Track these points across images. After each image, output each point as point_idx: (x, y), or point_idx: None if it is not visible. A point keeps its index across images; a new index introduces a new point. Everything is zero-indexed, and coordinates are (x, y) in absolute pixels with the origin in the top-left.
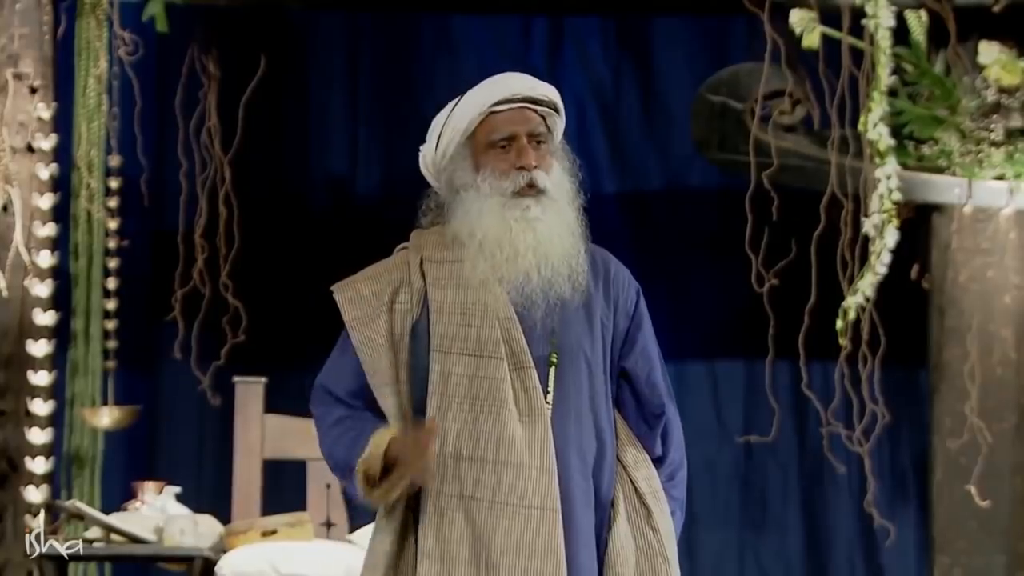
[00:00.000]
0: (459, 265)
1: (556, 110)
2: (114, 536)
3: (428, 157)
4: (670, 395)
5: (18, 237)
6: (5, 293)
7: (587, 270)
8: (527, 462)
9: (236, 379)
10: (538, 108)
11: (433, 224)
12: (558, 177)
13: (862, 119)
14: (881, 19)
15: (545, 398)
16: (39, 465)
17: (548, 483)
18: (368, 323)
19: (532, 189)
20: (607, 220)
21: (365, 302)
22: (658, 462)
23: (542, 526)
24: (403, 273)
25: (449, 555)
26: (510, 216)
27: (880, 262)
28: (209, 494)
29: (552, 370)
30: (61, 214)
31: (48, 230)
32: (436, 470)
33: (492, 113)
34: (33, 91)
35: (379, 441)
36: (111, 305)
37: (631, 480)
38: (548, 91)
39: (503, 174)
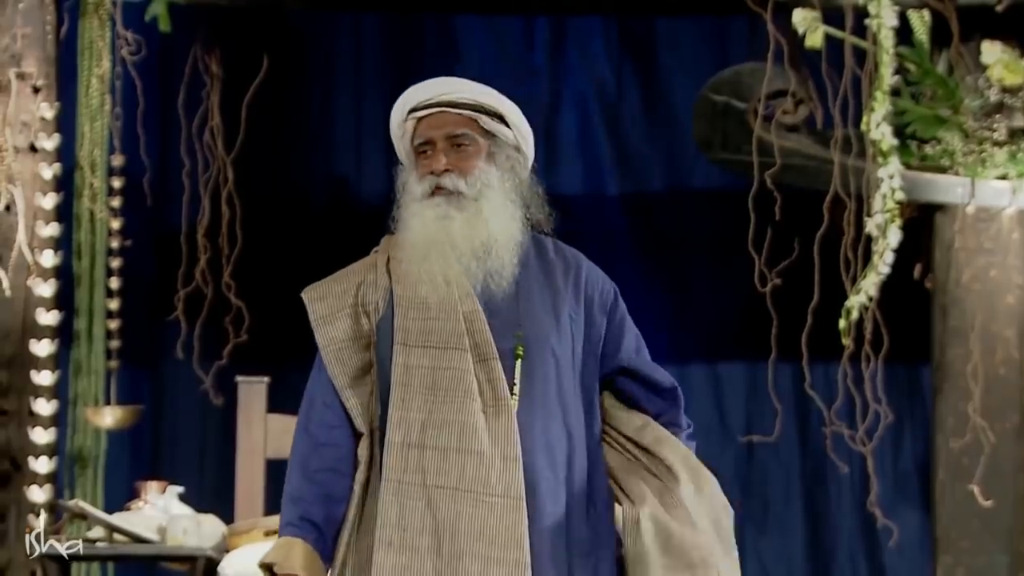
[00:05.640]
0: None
1: (483, 111)
2: (117, 536)
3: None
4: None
5: (21, 237)
6: (8, 293)
7: (559, 266)
8: (491, 451)
9: (239, 379)
10: (462, 111)
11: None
12: (486, 177)
13: (865, 119)
14: (884, 19)
15: (512, 390)
16: (42, 465)
17: (513, 472)
18: (331, 322)
19: (441, 191)
20: (610, 220)
21: (329, 300)
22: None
23: (506, 514)
24: (371, 273)
25: (411, 544)
26: (428, 216)
27: (883, 262)
28: (212, 494)
29: (519, 363)
30: (64, 214)
31: (51, 230)
32: (399, 460)
33: (418, 119)
34: (36, 91)
35: (282, 555)
36: (114, 305)
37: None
38: (473, 93)
39: (421, 178)
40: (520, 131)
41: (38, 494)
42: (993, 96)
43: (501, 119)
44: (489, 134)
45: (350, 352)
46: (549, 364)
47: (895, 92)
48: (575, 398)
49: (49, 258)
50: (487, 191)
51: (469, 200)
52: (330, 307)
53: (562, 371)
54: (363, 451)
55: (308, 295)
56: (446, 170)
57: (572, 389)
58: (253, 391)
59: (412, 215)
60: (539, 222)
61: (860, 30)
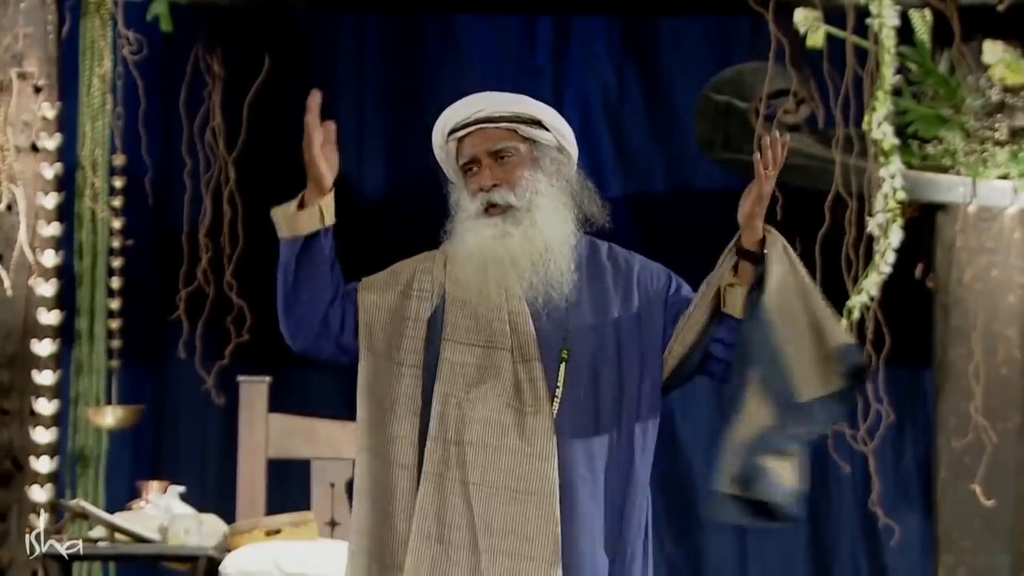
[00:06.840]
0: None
1: (520, 120)
2: (118, 535)
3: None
4: None
5: (22, 236)
6: (10, 292)
7: (610, 270)
8: (527, 449)
9: (240, 378)
10: (500, 125)
11: None
12: (535, 184)
13: (866, 118)
14: (885, 18)
15: (554, 391)
16: (43, 464)
17: (547, 470)
18: (376, 291)
19: (495, 208)
20: (612, 220)
21: (379, 280)
22: None
23: (538, 511)
24: (428, 262)
25: (449, 539)
26: (485, 235)
27: (884, 261)
28: (213, 493)
29: (563, 366)
30: (65, 213)
31: (52, 229)
32: (440, 455)
33: (459, 139)
34: (37, 90)
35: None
36: (115, 304)
37: None
38: (508, 105)
39: (472, 196)
40: (560, 132)
41: (39, 494)
42: (995, 96)
43: (539, 124)
44: (530, 140)
45: (383, 321)
46: (594, 367)
47: (897, 92)
48: (621, 401)
49: (50, 258)
50: (537, 199)
51: (522, 212)
52: (382, 283)
53: (607, 374)
54: (413, 442)
55: (362, 281)
56: (494, 185)
57: (618, 393)
58: (255, 391)
59: (467, 231)
60: (594, 216)
61: (862, 30)
